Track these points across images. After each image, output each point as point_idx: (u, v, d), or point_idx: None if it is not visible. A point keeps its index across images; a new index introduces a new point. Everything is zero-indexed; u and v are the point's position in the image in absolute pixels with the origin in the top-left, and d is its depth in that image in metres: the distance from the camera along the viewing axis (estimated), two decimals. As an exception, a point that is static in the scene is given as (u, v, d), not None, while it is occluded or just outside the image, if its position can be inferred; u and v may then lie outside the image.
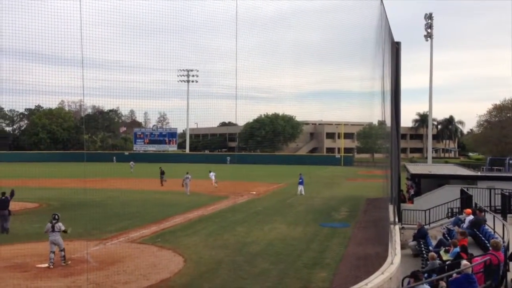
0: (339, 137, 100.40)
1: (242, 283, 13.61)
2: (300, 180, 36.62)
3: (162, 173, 43.01)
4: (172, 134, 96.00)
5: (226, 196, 34.24)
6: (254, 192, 37.34)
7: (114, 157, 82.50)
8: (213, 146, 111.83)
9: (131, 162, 64.08)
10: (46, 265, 15.36)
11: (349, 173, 64.93)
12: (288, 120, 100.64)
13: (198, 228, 22.25)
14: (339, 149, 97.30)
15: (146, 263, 15.77)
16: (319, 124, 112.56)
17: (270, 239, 19.80)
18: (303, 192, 35.89)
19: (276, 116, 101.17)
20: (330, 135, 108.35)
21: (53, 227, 15.76)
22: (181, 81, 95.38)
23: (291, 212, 27.76)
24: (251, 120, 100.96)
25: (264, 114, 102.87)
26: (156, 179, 42.72)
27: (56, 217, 16.09)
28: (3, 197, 21.42)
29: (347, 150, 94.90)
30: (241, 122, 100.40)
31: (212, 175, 42.18)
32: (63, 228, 15.82)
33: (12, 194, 21.79)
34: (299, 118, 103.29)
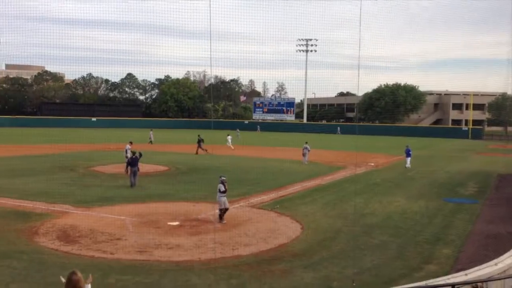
0: (467, 108, 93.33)
1: (360, 253, 13.55)
2: (408, 152, 34.86)
3: (200, 140, 41.20)
4: (290, 104, 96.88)
5: (343, 167, 33.98)
6: (373, 164, 36.51)
7: (258, 126, 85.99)
8: (330, 116, 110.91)
9: (237, 130, 66.00)
10: (177, 223, 16.71)
11: (478, 146, 60.43)
12: (410, 90, 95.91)
13: (316, 197, 22.45)
14: (466, 121, 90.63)
15: (266, 228, 16.36)
16: (445, 94, 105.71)
17: (389, 212, 19.34)
18: (408, 165, 34.30)
19: (397, 86, 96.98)
20: (457, 106, 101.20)
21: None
22: (299, 50, 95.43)
23: (412, 185, 26.74)
24: (370, 90, 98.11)
25: (385, 84, 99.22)
26: (274, 147, 43.67)
27: (220, 178, 17.32)
28: (134, 156, 24.87)
29: (476, 122, 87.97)
30: (360, 92, 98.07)
31: (229, 138, 45.25)
32: (222, 189, 16.86)
33: (140, 154, 25.05)
34: (422, 88, 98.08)
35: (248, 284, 11.12)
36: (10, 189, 22.28)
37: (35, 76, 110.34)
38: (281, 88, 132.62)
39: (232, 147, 44.75)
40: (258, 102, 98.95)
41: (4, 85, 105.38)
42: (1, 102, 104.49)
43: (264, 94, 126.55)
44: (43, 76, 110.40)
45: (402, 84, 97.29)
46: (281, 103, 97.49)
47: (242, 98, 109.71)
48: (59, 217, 17.29)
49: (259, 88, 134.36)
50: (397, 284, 10.58)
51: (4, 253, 12.90)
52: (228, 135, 47.19)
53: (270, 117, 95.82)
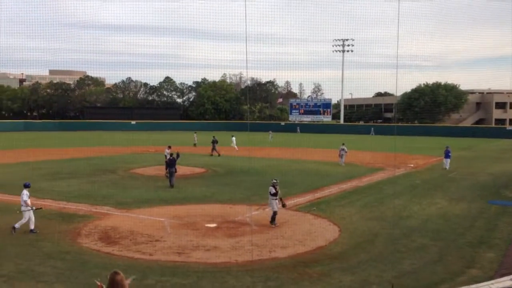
0: (511, 107, 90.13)
1: (399, 256, 13.31)
2: (448, 153, 33.80)
3: (214, 142, 41.70)
4: (326, 105, 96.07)
5: (382, 168, 33.46)
6: (412, 165, 35.78)
7: (298, 127, 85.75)
8: (367, 116, 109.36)
9: (270, 132, 65.67)
10: (215, 225, 16.86)
11: (522, 147, 58.20)
12: (450, 89, 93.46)
13: (353, 199, 22.21)
14: (511, 120, 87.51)
15: (303, 230, 16.31)
16: (487, 93, 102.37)
17: (429, 214, 18.92)
18: (447, 166, 33.31)
19: (437, 85, 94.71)
20: (500, 105, 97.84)
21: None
22: (336, 51, 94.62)
23: (453, 187, 26.03)
24: (409, 90, 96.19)
25: (424, 83, 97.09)
26: (310, 149, 43.43)
27: (271, 180, 17.30)
28: (171, 157, 25.94)
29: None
30: (398, 92, 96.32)
31: (233, 139, 45.93)
32: (272, 191, 16.83)
33: (177, 156, 26.16)
34: (463, 86, 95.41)
35: (286, 287, 11.12)
36: (54, 192, 23.06)
37: (77, 81, 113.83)
38: (317, 89, 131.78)
39: (237, 148, 45.17)
40: (295, 104, 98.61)
41: (48, 90, 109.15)
42: (46, 107, 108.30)
43: (300, 95, 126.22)
44: (85, 80, 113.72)
45: (442, 83, 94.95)
46: (318, 104, 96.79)
47: (279, 100, 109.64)
48: (101, 218, 17.77)
49: (295, 89, 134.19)
50: (438, 288, 10.34)
51: (49, 254, 13.38)
52: (232, 136, 47.60)
53: (307, 119, 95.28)
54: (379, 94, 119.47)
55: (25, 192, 15.69)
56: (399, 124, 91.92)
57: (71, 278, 11.52)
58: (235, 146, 45.73)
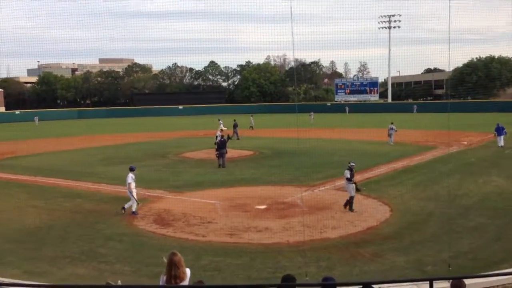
0: None
1: (455, 236, 12.99)
2: (500, 130, 32.00)
3: (235, 125, 41.39)
4: (373, 84, 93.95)
5: (434, 146, 32.53)
6: (465, 142, 34.58)
7: (347, 107, 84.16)
8: (417, 94, 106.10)
9: (311, 113, 64.74)
10: (265, 206, 17.02)
11: None
12: (505, 63, 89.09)
13: (404, 178, 21.79)
14: None
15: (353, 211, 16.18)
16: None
17: (486, 193, 18.31)
18: (502, 143, 31.59)
19: (490, 59, 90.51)
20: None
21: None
22: (382, 27, 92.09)
23: (510, 164, 25.01)
24: (460, 65, 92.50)
25: (477, 58, 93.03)
26: (361, 129, 42.79)
27: (349, 164, 16.82)
28: (222, 139, 26.83)
29: None
30: (449, 67, 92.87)
31: (221, 122, 44.83)
32: (347, 176, 16.37)
33: (228, 137, 27.58)
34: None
35: (338, 267, 11.13)
36: (109, 176, 23.93)
37: (125, 68, 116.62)
38: (363, 67, 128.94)
39: (224, 129, 44.89)
40: (340, 84, 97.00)
41: (99, 79, 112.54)
42: (97, 95, 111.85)
43: (345, 75, 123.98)
44: (133, 68, 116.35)
45: (496, 57, 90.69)
46: (364, 83, 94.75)
47: (326, 80, 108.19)
48: (155, 201, 18.32)
49: (340, 69, 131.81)
50: (497, 268, 10.06)
51: (109, 236, 13.97)
52: (219, 119, 46.88)
53: (353, 98, 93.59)
54: (428, 71, 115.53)
55: (130, 175, 16.67)
56: (451, 100, 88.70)
57: (129, 258, 12.00)
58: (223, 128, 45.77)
